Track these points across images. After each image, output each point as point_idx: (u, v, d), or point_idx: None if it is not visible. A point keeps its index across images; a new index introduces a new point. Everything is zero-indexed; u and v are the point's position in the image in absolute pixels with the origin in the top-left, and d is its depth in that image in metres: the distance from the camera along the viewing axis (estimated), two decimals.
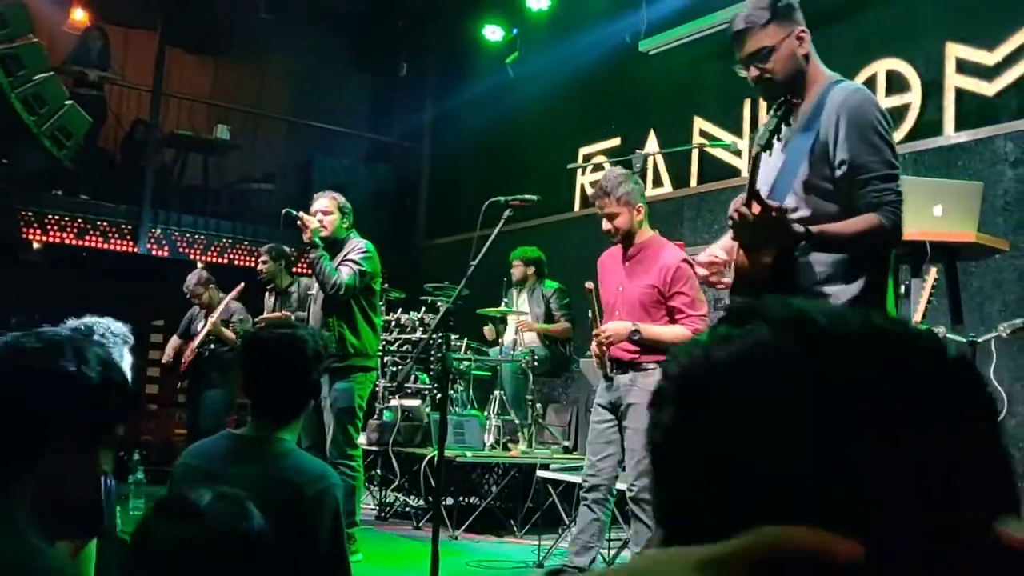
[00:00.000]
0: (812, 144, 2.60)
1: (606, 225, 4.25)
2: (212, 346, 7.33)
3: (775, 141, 2.54)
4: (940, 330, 3.67)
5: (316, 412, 5.18)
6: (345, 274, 5.06)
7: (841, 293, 2.55)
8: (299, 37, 11.13)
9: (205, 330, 7.25)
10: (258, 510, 2.01)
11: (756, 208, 2.44)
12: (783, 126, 2.53)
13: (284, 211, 5.24)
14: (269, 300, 7.17)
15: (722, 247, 2.81)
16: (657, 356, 4.09)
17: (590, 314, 4.37)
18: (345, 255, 5.16)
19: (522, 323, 7.08)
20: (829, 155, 2.58)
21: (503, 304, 7.28)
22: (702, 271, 2.76)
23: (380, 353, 7.08)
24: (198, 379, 7.42)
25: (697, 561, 0.47)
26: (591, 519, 4.22)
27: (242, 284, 7.24)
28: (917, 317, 3.45)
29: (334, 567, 2.17)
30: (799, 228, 2.47)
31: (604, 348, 4.19)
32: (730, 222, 2.52)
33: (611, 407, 4.22)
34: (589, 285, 4.38)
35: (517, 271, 7.28)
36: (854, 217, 2.54)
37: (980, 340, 3.84)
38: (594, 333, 4.26)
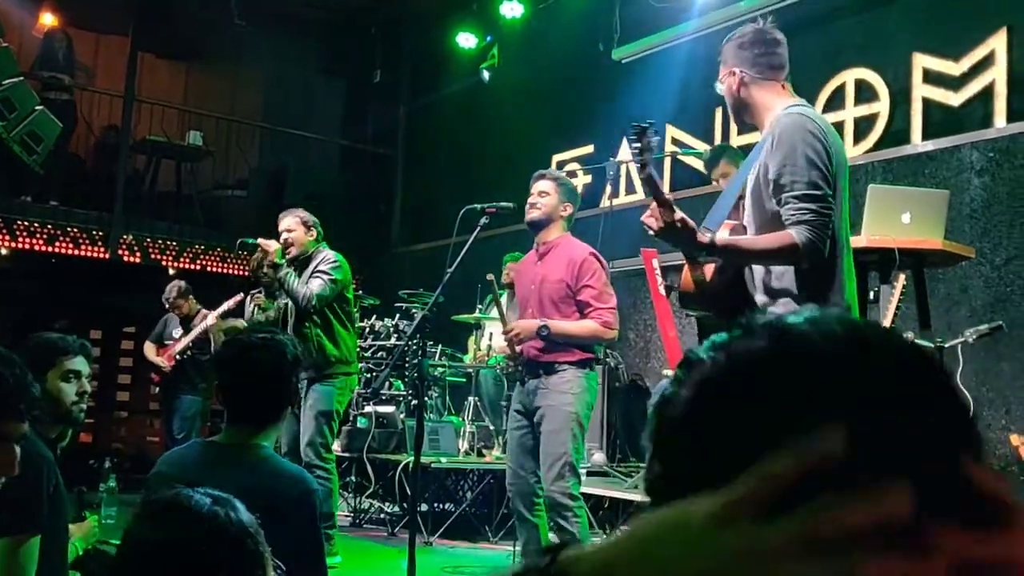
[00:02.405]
0: (758, 166, 2.73)
1: (532, 200, 4.18)
2: (190, 352, 7.31)
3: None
4: (908, 335, 3.73)
5: (297, 420, 5.19)
6: (316, 286, 5.08)
7: (789, 303, 2.62)
8: (273, 43, 11.10)
9: (196, 332, 7.22)
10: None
11: (667, 215, 2.60)
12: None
13: (239, 241, 5.28)
14: (249, 307, 7.14)
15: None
16: (568, 355, 4.03)
17: (496, 311, 4.34)
18: (315, 267, 5.20)
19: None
20: (767, 175, 2.68)
21: (477, 310, 7.29)
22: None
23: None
24: (175, 385, 7.39)
25: (708, 515, 0.46)
26: (529, 526, 4.16)
27: (240, 295, 7.23)
28: (886, 322, 3.51)
29: (313, 571, 2.17)
30: (703, 237, 2.59)
31: (515, 347, 4.12)
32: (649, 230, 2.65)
33: (525, 411, 4.14)
34: (490, 276, 4.36)
35: (511, 275, 7.28)
36: (773, 233, 2.64)
37: (947, 345, 3.91)
38: (503, 332, 4.22)
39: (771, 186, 2.65)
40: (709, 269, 2.80)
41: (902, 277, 3.61)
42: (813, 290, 2.66)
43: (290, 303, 5.23)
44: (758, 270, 2.73)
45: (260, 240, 5.18)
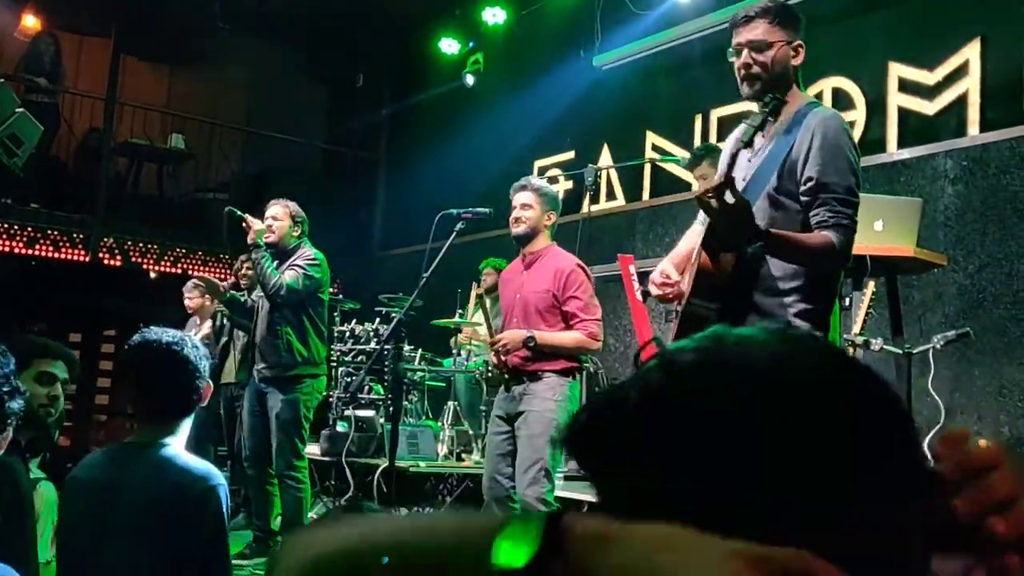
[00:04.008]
0: (784, 158, 2.65)
1: (516, 214, 4.20)
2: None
3: (755, 140, 2.61)
4: (878, 341, 3.77)
5: (262, 420, 5.19)
6: (288, 276, 5.05)
7: (794, 305, 2.62)
8: (256, 47, 11.11)
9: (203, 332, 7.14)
10: (146, 513, 2.08)
11: (729, 197, 2.44)
12: (759, 134, 2.60)
13: (227, 210, 5.24)
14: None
15: (674, 264, 2.83)
16: (553, 364, 4.05)
17: (484, 323, 4.36)
18: (292, 261, 5.18)
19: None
20: (797, 172, 2.64)
21: (457, 315, 7.31)
22: (655, 290, 2.78)
23: (335, 364, 7.09)
24: None
25: (734, 551, 0.48)
26: None
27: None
28: (857, 329, 3.56)
29: (214, 567, 2.19)
30: (759, 226, 2.50)
31: (502, 357, 4.15)
32: (702, 203, 2.48)
33: (507, 417, 4.16)
34: (478, 290, 4.38)
35: (489, 279, 7.31)
36: (815, 233, 2.60)
37: (915, 351, 3.96)
38: (490, 342, 4.24)
39: (807, 183, 2.61)
40: (728, 261, 2.65)
41: (871, 284, 3.66)
42: (813, 302, 2.66)
43: (263, 300, 5.21)
44: (775, 269, 2.67)
45: (247, 215, 5.16)
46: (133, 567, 2.12)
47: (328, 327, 5.40)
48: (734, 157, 2.58)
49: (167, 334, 2.32)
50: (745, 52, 2.74)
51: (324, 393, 5.34)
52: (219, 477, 2.24)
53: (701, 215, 2.85)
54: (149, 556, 2.12)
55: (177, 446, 2.29)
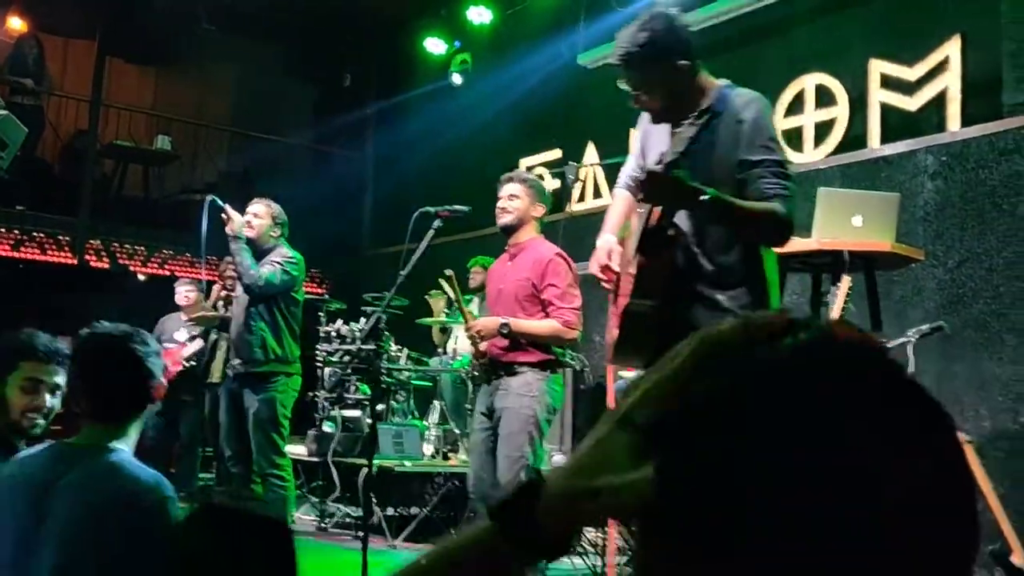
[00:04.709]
0: (712, 148, 2.67)
1: (501, 204, 4.20)
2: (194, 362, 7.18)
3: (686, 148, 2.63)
4: None
5: (238, 420, 5.19)
6: (266, 270, 5.06)
7: (730, 298, 2.65)
8: (241, 48, 11.10)
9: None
10: (85, 521, 1.93)
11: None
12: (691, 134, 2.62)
13: (209, 198, 5.23)
14: (216, 294, 7.13)
15: (614, 233, 2.87)
16: (529, 355, 4.04)
17: (456, 307, 4.34)
18: (270, 258, 5.18)
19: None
20: (730, 157, 2.66)
21: (443, 314, 7.31)
22: (595, 267, 2.80)
23: (320, 364, 7.09)
24: (178, 392, 7.02)
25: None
26: None
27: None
28: None
29: None
30: (699, 186, 2.50)
31: (478, 345, 4.14)
32: (639, 191, 2.58)
33: (488, 413, 4.15)
34: (449, 272, 4.36)
35: (477, 277, 7.30)
36: (762, 201, 2.61)
37: (891, 345, 3.97)
38: (465, 328, 4.23)
39: (741, 165, 2.64)
40: (666, 257, 2.69)
41: (847, 279, 3.67)
42: (757, 281, 2.70)
43: (242, 296, 5.21)
44: (712, 258, 2.69)
45: (227, 207, 5.15)
46: (59, 573, 1.98)
47: (301, 327, 5.36)
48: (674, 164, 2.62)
49: (118, 328, 2.19)
50: (632, 92, 2.77)
51: (297, 392, 5.30)
52: (170, 488, 2.10)
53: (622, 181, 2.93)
54: (81, 565, 1.98)
55: (126, 452, 2.15)
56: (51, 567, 1.97)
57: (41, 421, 2.53)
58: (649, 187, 2.51)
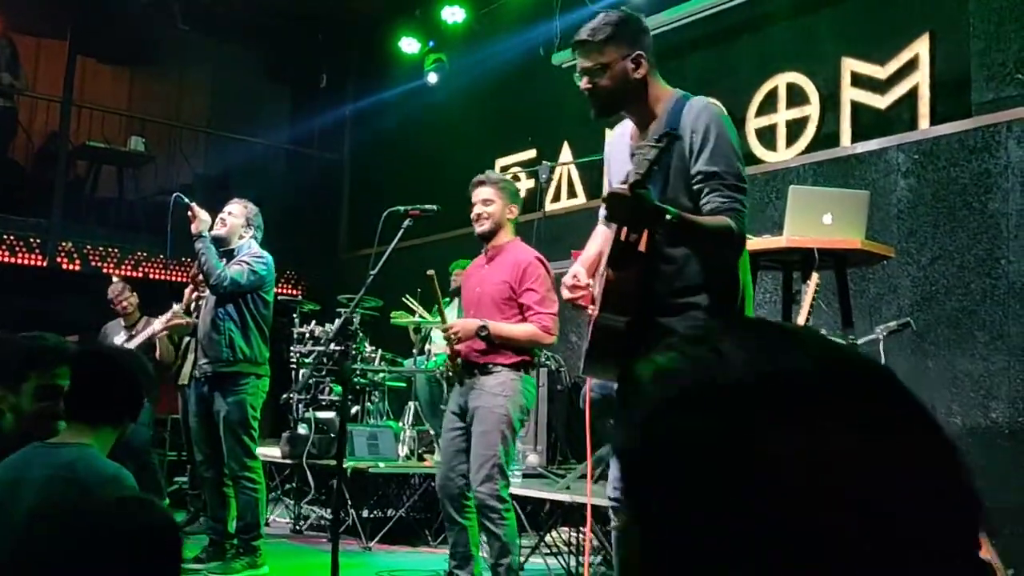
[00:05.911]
0: (669, 167, 2.65)
1: (477, 210, 4.22)
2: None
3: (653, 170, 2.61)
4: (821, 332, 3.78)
5: (208, 424, 5.15)
6: (233, 270, 4.99)
7: (699, 303, 2.65)
8: (217, 48, 11.04)
9: (142, 337, 6.99)
10: (47, 511, 1.97)
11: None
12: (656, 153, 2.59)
13: (175, 195, 5.16)
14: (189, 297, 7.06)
15: (585, 267, 2.84)
16: (504, 357, 4.06)
17: (435, 308, 4.33)
18: (239, 257, 5.12)
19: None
20: (686, 169, 2.65)
21: (417, 316, 7.27)
22: (567, 294, 2.77)
23: (294, 366, 7.04)
24: None
25: None
26: (459, 528, 4.17)
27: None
28: (802, 320, 3.58)
29: None
30: (662, 206, 2.50)
31: (454, 347, 4.14)
32: (604, 212, 2.56)
33: (460, 412, 4.16)
34: (431, 272, 4.36)
35: (459, 280, 7.27)
36: (713, 216, 2.61)
37: (859, 342, 3.99)
38: (442, 330, 4.23)
39: (696, 177, 2.63)
40: (633, 272, 2.67)
41: (815, 276, 3.68)
42: (720, 299, 2.69)
43: (210, 296, 5.14)
44: (678, 270, 2.69)
45: (194, 205, 5.08)
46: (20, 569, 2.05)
47: (271, 328, 5.32)
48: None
49: (123, 349, 2.33)
50: (585, 78, 2.76)
51: (266, 393, 5.25)
52: (130, 479, 2.16)
53: (602, 214, 2.87)
54: (41, 562, 2.05)
55: (94, 451, 2.22)
56: (5, 562, 2.00)
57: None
58: (612, 207, 2.50)
